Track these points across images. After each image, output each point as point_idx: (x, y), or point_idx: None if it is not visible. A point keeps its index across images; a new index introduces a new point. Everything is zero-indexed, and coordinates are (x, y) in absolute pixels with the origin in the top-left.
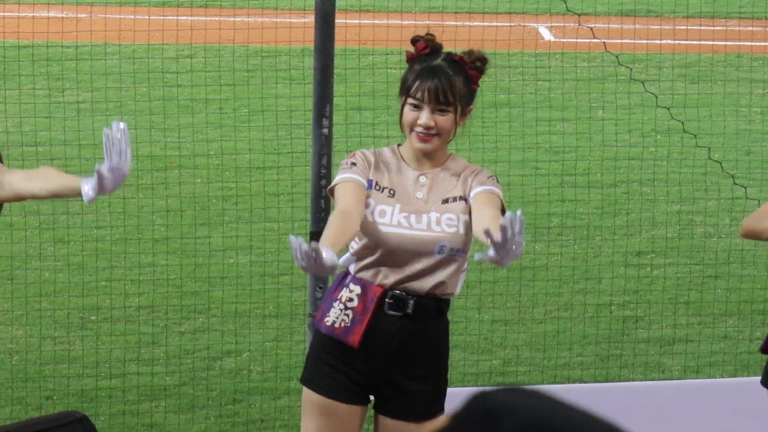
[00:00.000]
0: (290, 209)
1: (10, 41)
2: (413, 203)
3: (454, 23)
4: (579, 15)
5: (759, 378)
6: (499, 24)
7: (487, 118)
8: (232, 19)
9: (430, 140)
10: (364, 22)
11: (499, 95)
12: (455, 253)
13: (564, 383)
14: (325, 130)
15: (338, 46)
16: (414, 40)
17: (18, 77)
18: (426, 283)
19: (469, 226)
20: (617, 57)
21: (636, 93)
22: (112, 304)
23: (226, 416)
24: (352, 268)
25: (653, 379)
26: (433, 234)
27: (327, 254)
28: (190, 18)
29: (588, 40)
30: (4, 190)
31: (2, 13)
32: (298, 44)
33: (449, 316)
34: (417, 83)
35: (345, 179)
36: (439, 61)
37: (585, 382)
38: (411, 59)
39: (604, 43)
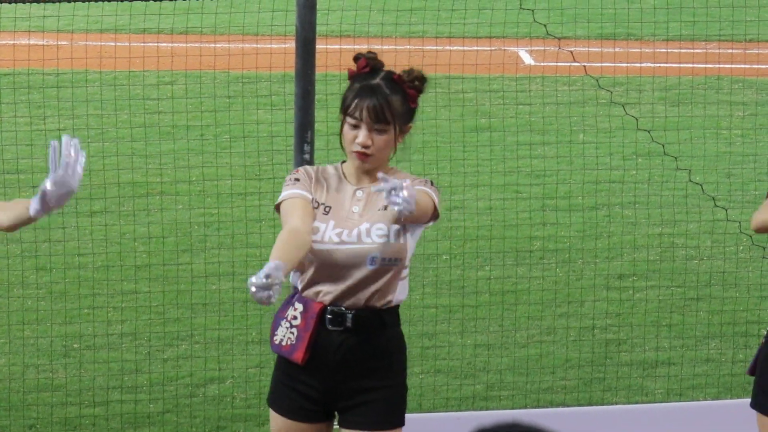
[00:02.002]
0: (272, 235)
1: None
2: (349, 219)
3: (434, 48)
4: (559, 39)
5: (742, 400)
6: (479, 48)
7: (468, 142)
8: (213, 45)
9: (367, 159)
10: (345, 47)
11: (480, 119)
12: (389, 263)
13: (547, 407)
14: (307, 156)
15: (319, 71)
16: (355, 58)
17: None
18: (361, 296)
19: (401, 234)
20: (597, 80)
21: (616, 116)
22: (94, 332)
23: None
24: (299, 286)
25: (636, 403)
26: (363, 246)
27: (275, 269)
28: (170, 45)
29: (568, 64)
30: None
31: None
32: (279, 70)
33: (433, 338)
34: (355, 102)
35: (291, 195)
36: (377, 80)
37: (568, 406)
38: (352, 77)
39: (585, 66)
